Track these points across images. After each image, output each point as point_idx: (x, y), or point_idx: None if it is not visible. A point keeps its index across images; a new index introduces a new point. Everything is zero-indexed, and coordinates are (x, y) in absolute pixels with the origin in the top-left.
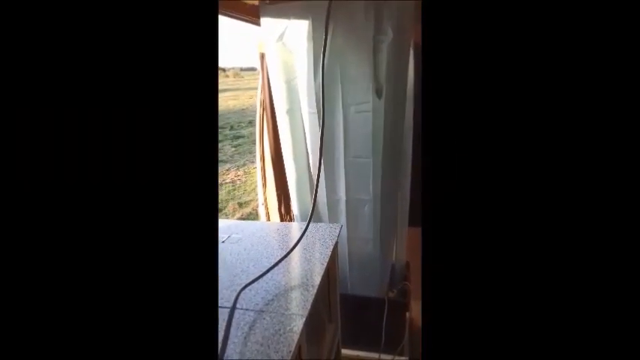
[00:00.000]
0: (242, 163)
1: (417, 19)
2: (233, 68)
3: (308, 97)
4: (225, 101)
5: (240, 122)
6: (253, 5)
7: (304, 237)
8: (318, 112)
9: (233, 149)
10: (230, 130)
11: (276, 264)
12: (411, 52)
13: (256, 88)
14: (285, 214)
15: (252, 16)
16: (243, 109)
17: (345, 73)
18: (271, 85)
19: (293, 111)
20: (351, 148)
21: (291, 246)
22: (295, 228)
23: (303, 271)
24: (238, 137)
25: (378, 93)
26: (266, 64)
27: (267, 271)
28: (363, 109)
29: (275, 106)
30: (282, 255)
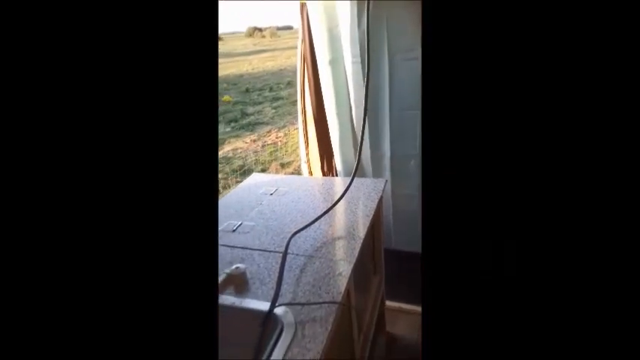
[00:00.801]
0: (282, 124)
1: None
2: (269, 27)
3: (351, 45)
4: (263, 62)
5: (279, 83)
6: None
7: (349, 191)
8: (362, 60)
9: (273, 111)
10: (270, 91)
11: (324, 214)
12: None
13: (294, 48)
14: (328, 172)
15: None
16: (281, 70)
17: (391, 18)
18: (313, 35)
19: (336, 60)
20: (397, 101)
21: (336, 199)
22: (340, 182)
23: (349, 222)
24: (277, 99)
25: None
26: (306, 13)
27: (316, 220)
28: (410, 57)
29: (317, 57)
30: (328, 207)
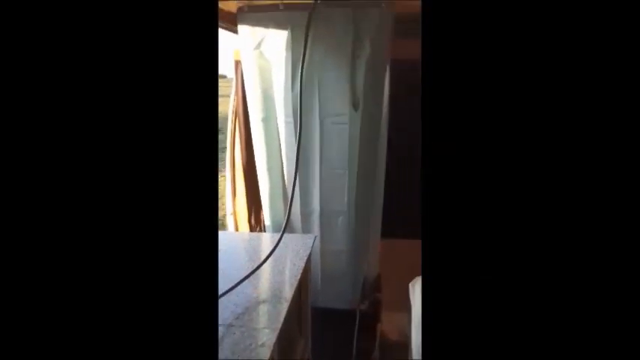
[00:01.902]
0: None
1: (394, 35)
2: (223, 75)
3: (285, 106)
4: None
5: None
6: (230, 12)
7: (277, 248)
8: (295, 121)
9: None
10: None
11: (247, 276)
12: (387, 67)
13: (226, 96)
14: (256, 225)
15: (228, 23)
16: None
17: (323, 84)
18: (246, 92)
19: (268, 119)
20: (326, 160)
21: (262, 257)
22: (267, 239)
23: (276, 283)
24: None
25: (354, 105)
26: (241, 71)
27: (239, 283)
28: (339, 121)
29: (250, 114)
30: (254, 267)
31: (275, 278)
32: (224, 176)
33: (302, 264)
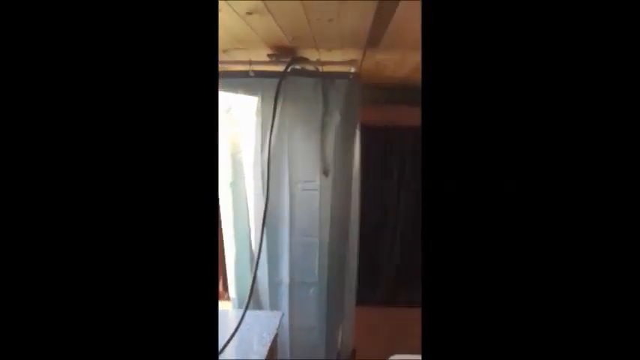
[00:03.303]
0: None
1: (363, 102)
2: None
3: (254, 171)
4: None
5: None
6: None
7: (239, 330)
8: (264, 187)
9: None
10: None
11: None
12: (357, 133)
13: None
14: (224, 292)
15: None
16: None
17: (293, 150)
18: (218, 162)
19: (236, 184)
20: (296, 227)
21: (226, 337)
22: (231, 316)
23: None
24: None
25: (325, 172)
26: None
27: None
28: (309, 187)
29: (218, 178)
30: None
31: None
32: None
33: (267, 345)
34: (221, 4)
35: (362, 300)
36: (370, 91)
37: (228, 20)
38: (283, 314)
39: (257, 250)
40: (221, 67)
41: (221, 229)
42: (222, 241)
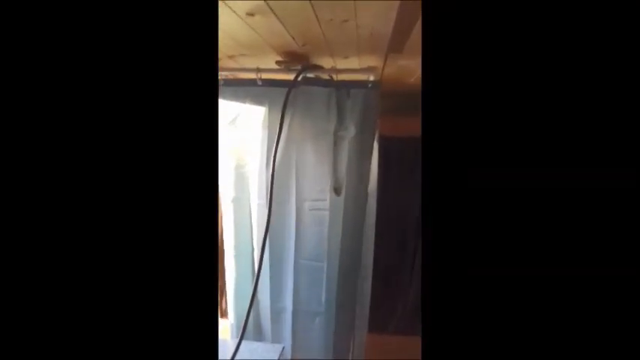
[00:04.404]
0: None
1: (382, 112)
2: None
3: (259, 187)
4: None
5: None
6: None
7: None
8: (267, 204)
9: None
10: None
11: None
12: (375, 146)
13: None
14: (226, 311)
15: None
16: None
17: (301, 166)
18: (218, 169)
19: (240, 200)
20: (302, 249)
21: None
22: (229, 347)
23: None
24: None
25: (336, 190)
26: None
27: None
28: (318, 207)
29: (220, 192)
30: None
31: None
32: None
33: None
34: (219, 5)
35: (375, 328)
36: (391, 99)
37: (230, 23)
38: (284, 347)
39: (256, 273)
40: (228, 75)
41: (222, 247)
42: (224, 260)
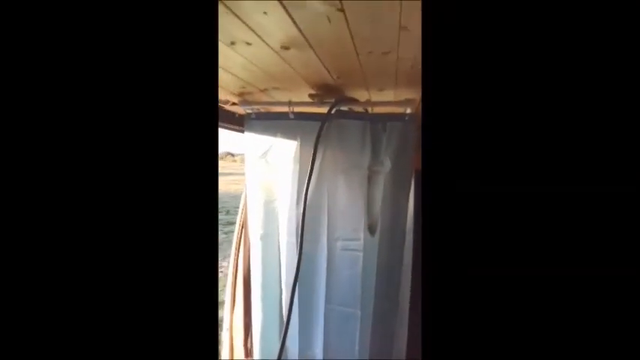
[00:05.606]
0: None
1: (419, 146)
2: (241, 154)
3: (288, 224)
4: (227, 185)
5: (237, 207)
6: (241, 115)
7: None
8: (297, 243)
9: (224, 236)
10: (226, 214)
11: None
12: (412, 182)
13: (236, 174)
14: (252, 352)
15: (236, 125)
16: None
17: (334, 202)
18: (247, 206)
19: (268, 237)
20: (333, 294)
21: None
22: None
23: None
24: (231, 223)
25: (371, 229)
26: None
27: None
28: (351, 247)
29: (249, 228)
30: None
31: None
32: (222, 272)
33: None
34: (252, 37)
35: None
36: None
37: (262, 56)
38: None
39: (286, 318)
40: (260, 108)
41: (249, 283)
42: (249, 296)
